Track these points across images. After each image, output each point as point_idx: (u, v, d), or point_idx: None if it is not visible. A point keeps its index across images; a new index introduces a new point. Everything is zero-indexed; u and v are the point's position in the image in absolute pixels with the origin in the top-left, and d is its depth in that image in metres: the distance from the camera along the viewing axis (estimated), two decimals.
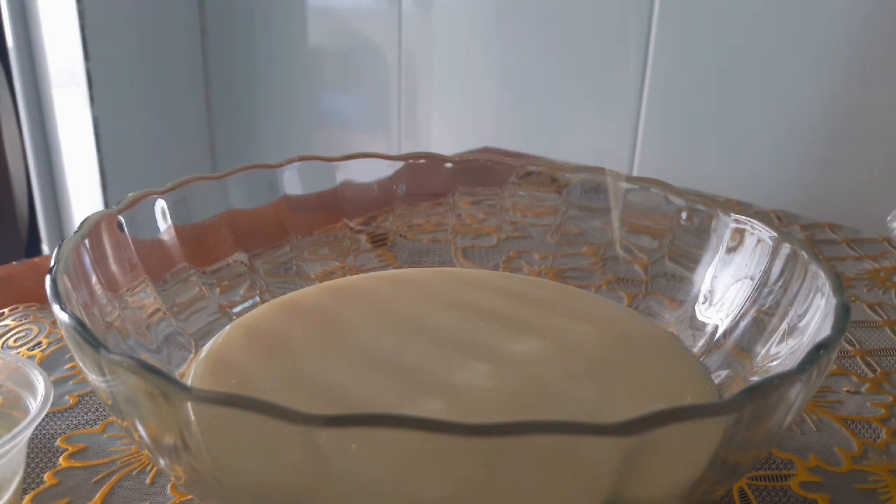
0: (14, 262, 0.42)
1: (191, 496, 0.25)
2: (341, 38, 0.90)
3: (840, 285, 0.23)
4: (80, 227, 0.25)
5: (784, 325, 0.26)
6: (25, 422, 0.21)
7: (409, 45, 0.82)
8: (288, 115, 1.00)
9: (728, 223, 0.30)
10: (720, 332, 0.29)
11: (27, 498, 0.25)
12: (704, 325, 0.30)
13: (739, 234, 0.29)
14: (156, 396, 0.17)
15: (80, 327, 0.19)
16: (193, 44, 1.08)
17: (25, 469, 0.25)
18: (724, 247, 0.30)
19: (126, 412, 0.19)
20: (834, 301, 0.22)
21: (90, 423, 0.28)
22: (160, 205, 0.30)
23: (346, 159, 0.35)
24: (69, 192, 1.13)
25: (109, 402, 0.20)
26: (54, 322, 0.35)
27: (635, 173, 0.68)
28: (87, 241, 0.25)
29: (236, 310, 0.31)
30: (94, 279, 0.25)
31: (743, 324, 0.28)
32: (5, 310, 0.37)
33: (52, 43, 1.05)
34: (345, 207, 0.36)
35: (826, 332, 0.21)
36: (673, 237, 0.32)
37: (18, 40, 1.07)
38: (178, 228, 0.30)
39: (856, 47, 0.53)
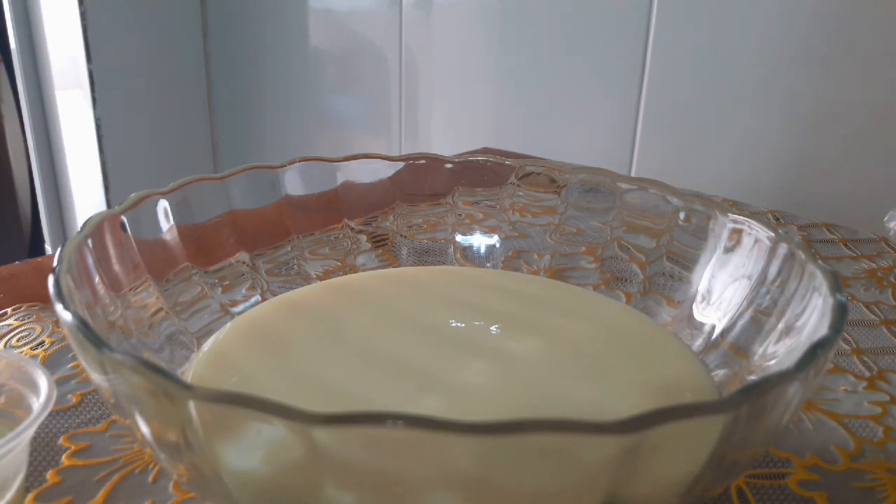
0: (17, 262, 0.43)
1: (193, 494, 0.25)
2: (342, 40, 0.91)
3: (837, 285, 0.23)
4: (82, 228, 0.26)
5: (781, 325, 0.26)
6: (28, 420, 0.22)
7: (409, 46, 0.83)
8: (289, 117, 1.00)
9: (726, 223, 0.30)
10: (718, 331, 0.29)
11: (30, 496, 0.25)
12: (702, 324, 0.30)
13: (737, 234, 0.29)
14: (158, 395, 0.18)
15: (83, 326, 0.19)
16: (195, 45, 1.08)
17: (28, 467, 0.25)
18: (722, 247, 0.30)
19: (128, 411, 0.20)
20: (831, 300, 0.22)
21: (93, 421, 0.29)
22: (162, 205, 0.30)
23: (346, 160, 0.35)
24: (72, 192, 1.13)
25: (112, 400, 0.20)
26: (57, 321, 0.35)
27: (634, 174, 0.68)
28: (89, 242, 0.25)
29: (237, 308, 0.32)
30: (96, 279, 0.25)
31: (740, 323, 0.28)
32: (8, 309, 0.37)
33: (54, 45, 1.05)
34: (345, 207, 0.36)
35: (823, 331, 0.21)
36: (671, 237, 0.32)
37: (21, 42, 1.08)
38: (181, 228, 0.31)
39: (853, 48, 0.54)
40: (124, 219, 0.28)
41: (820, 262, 0.25)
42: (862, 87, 0.54)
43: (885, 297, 0.40)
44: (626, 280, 0.34)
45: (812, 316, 0.24)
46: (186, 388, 0.17)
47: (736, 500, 0.26)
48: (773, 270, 0.27)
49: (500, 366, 0.27)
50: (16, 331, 0.35)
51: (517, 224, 0.37)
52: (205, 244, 0.32)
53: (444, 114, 0.83)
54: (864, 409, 0.31)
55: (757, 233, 0.28)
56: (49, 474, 0.26)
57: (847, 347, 0.35)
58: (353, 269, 0.36)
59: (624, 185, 0.34)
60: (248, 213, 0.33)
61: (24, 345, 0.34)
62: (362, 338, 0.29)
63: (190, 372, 0.27)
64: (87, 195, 1.10)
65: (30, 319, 0.36)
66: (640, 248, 0.34)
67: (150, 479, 0.26)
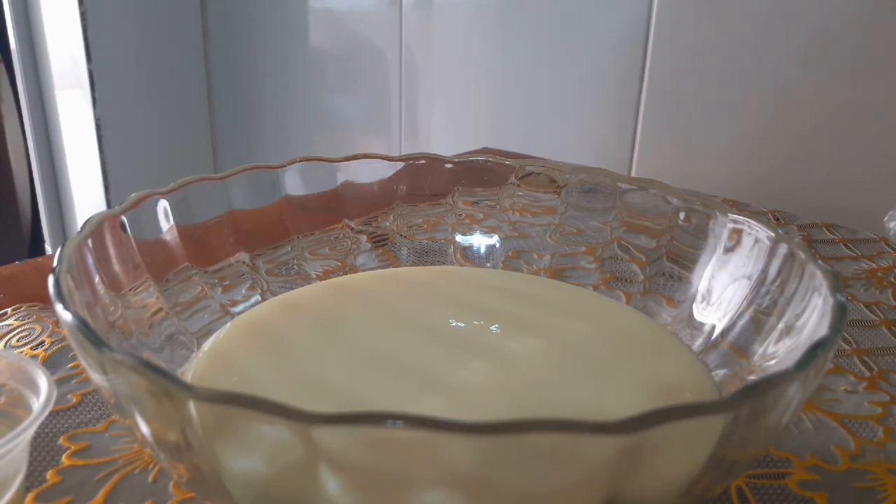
0: (17, 262, 0.43)
1: (193, 494, 0.25)
2: (342, 40, 0.91)
3: (837, 285, 0.23)
4: (83, 228, 0.26)
5: (781, 325, 0.26)
6: (28, 420, 0.22)
7: (409, 46, 0.83)
8: (289, 117, 1.00)
9: (726, 223, 0.30)
10: (718, 331, 0.29)
11: (30, 496, 0.25)
12: (702, 324, 0.30)
13: (737, 234, 0.29)
14: (158, 395, 0.18)
15: (83, 326, 0.19)
16: (195, 45, 1.08)
17: (28, 467, 0.25)
18: (722, 247, 0.30)
19: (128, 411, 0.20)
20: (831, 300, 0.22)
21: (93, 421, 0.29)
22: (162, 205, 0.30)
23: (346, 160, 0.35)
24: (72, 192, 1.13)
25: (112, 400, 0.20)
26: (57, 321, 0.35)
27: (634, 174, 0.68)
28: (89, 242, 0.25)
29: (237, 309, 0.32)
30: (96, 279, 0.25)
31: (740, 323, 0.28)
32: (8, 309, 0.37)
33: (54, 45, 1.05)
34: (346, 207, 0.36)
35: (823, 331, 0.21)
36: (671, 237, 0.32)
37: (21, 42, 1.08)
38: (181, 228, 0.31)
39: (852, 47, 0.54)
40: (124, 219, 0.28)
41: (820, 262, 0.25)
42: (862, 87, 0.54)
43: (885, 297, 0.40)
44: (626, 280, 0.34)
45: (812, 316, 0.24)
46: (186, 388, 0.17)
47: (736, 500, 0.26)
48: (773, 270, 0.27)
49: (500, 366, 0.27)
50: (16, 331, 0.35)
51: (517, 224, 0.37)
52: (205, 244, 0.32)
53: (444, 114, 0.83)
54: (864, 409, 0.31)
55: (757, 233, 0.28)
56: (49, 474, 0.26)
57: (847, 347, 0.35)
58: (353, 269, 0.36)
59: (624, 185, 0.34)
60: (248, 213, 0.33)
61: (24, 345, 0.34)
62: (362, 338, 0.29)
63: (190, 372, 0.27)
64: (87, 195, 1.10)
65: (30, 319, 0.36)
66: (640, 248, 0.34)
67: (150, 479, 0.26)
